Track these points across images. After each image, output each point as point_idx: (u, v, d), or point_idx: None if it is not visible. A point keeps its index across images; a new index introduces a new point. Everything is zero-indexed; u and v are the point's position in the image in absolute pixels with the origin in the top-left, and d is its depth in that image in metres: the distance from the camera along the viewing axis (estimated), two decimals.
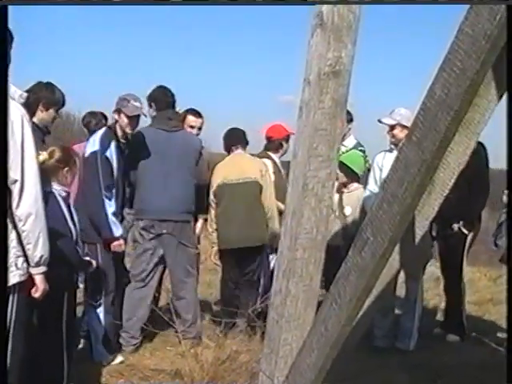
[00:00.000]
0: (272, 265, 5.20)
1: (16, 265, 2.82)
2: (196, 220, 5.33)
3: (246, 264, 5.38)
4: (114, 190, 4.59)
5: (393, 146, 5.16)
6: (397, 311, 5.27)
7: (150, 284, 5.02)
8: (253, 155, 5.71)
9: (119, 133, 4.72)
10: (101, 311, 4.58)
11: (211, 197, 5.39)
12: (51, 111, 4.33)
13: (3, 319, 2.73)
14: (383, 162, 5.18)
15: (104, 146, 4.56)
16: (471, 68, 1.68)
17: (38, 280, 2.91)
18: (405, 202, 1.94)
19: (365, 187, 5.33)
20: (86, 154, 4.58)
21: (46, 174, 3.56)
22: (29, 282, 2.89)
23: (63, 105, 4.51)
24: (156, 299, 5.33)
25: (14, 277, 2.81)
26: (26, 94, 2.94)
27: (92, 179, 4.50)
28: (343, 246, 4.53)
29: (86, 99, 24.07)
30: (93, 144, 4.61)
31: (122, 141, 4.74)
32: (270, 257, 5.44)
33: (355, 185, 5.35)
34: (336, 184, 4.55)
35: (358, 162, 5.43)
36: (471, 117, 1.99)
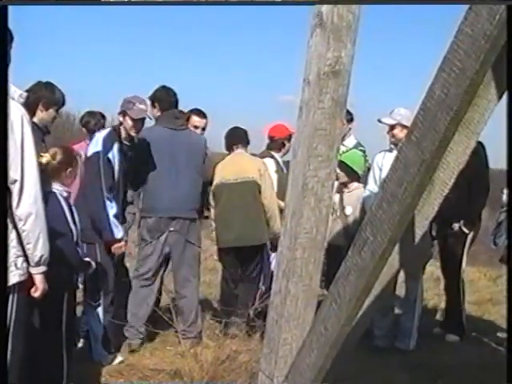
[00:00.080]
0: (273, 264, 5.20)
1: (16, 264, 2.82)
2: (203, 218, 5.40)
3: (246, 263, 5.38)
4: (115, 192, 4.59)
5: (393, 146, 5.16)
6: (396, 311, 5.26)
7: (154, 283, 5.05)
8: (255, 155, 5.71)
9: (123, 135, 4.70)
10: (100, 311, 4.57)
11: (210, 196, 5.40)
12: (51, 111, 4.32)
13: (3, 319, 2.73)
14: (383, 162, 5.18)
15: (107, 147, 4.53)
16: (471, 68, 1.68)
17: (38, 280, 2.91)
18: (404, 202, 1.94)
19: (364, 187, 5.34)
20: (89, 154, 4.56)
21: (49, 175, 3.57)
22: (29, 281, 2.89)
23: (63, 104, 4.49)
24: (157, 300, 5.34)
25: (14, 276, 2.81)
26: (25, 94, 2.94)
27: (94, 180, 4.48)
28: (345, 245, 4.52)
29: (86, 99, 24.06)
30: (96, 144, 4.58)
31: (126, 142, 4.72)
32: (272, 256, 5.44)
33: (355, 184, 5.35)
34: (336, 184, 4.56)
35: (358, 162, 5.43)
36: (471, 117, 1.99)
